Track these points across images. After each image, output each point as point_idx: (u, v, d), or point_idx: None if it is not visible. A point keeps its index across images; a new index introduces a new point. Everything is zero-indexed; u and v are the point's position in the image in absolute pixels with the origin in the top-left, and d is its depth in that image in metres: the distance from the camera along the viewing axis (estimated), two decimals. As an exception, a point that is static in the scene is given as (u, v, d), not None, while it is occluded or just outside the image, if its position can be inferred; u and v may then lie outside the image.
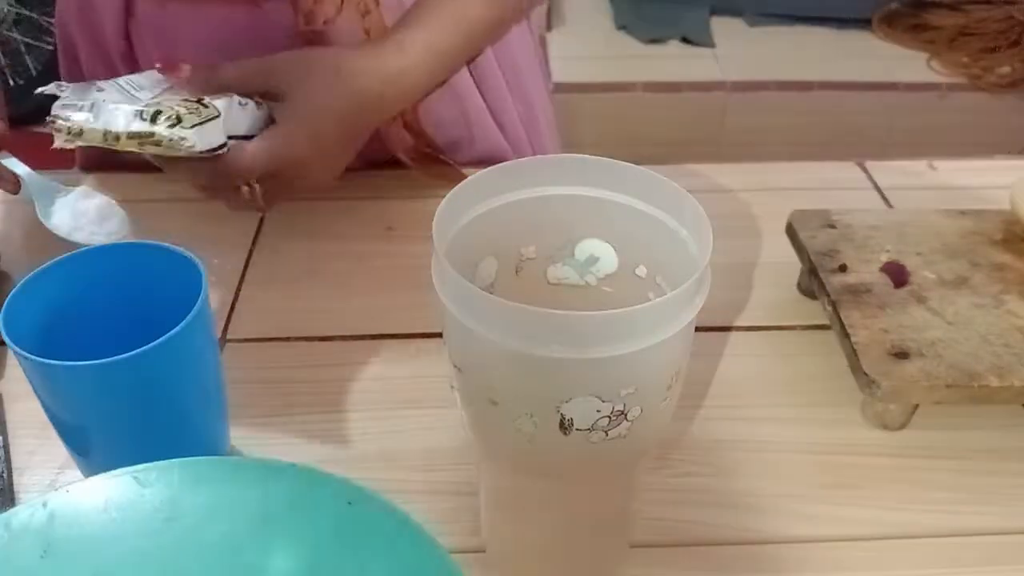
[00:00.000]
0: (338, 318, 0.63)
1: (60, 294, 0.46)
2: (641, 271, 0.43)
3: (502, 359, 0.36)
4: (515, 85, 0.81)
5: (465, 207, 0.40)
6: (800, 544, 0.49)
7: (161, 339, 0.42)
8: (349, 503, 0.33)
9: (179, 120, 0.54)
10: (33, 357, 0.41)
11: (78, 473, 0.49)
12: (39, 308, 0.45)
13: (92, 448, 0.46)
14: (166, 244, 0.47)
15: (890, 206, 0.74)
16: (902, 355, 0.53)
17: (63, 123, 0.54)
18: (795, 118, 1.93)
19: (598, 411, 0.36)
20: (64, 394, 0.43)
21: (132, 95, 0.57)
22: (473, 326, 0.35)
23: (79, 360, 0.40)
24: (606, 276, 0.44)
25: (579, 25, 2.10)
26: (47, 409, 0.44)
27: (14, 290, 0.44)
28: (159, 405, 0.44)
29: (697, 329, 0.38)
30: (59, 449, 0.52)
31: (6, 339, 0.41)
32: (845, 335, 0.54)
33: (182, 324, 0.42)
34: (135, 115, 0.54)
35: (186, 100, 0.56)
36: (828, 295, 0.57)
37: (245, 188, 0.59)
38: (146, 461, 0.34)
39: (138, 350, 0.41)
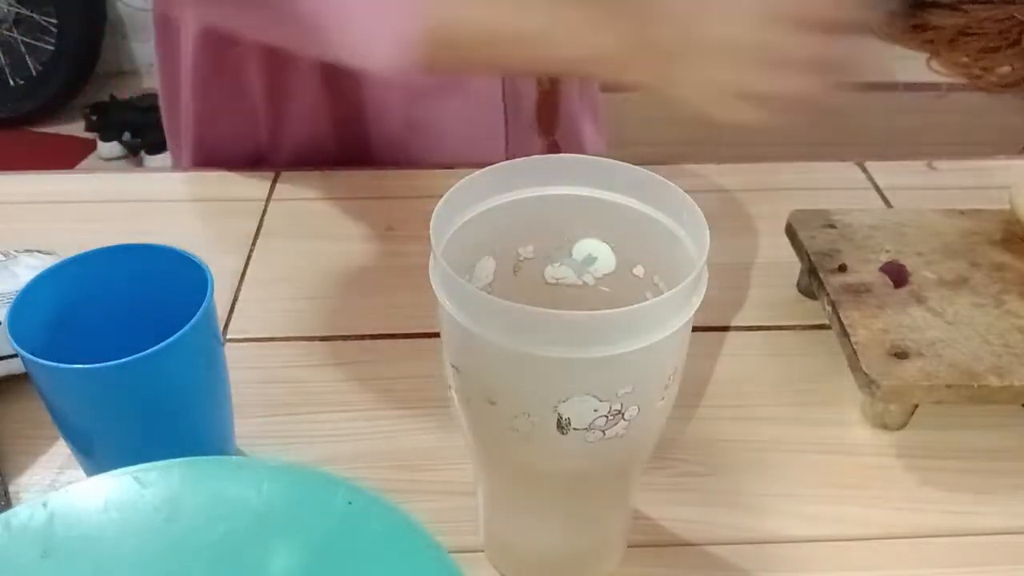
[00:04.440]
0: (338, 318, 0.63)
1: (65, 296, 0.46)
2: (639, 271, 0.43)
3: (500, 359, 0.36)
4: None
5: (463, 207, 0.40)
6: (800, 544, 0.49)
7: (166, 342, 0.42)
8: (349, 503, 0.33)
9: None
10: (39, 360, 0.41)
11: (78, 473, 0.49)
12: (44, 310, 0.45)
13: (96, 449, 0.46)
14: (171, 246, 0.47)
15: (890, 206, 0.74)
16: (902, 355, 0.53)
17: None
18: (795, 118, 1.93)
19: (595, 411, 0.36)
20: (69, 396, 0.43)
21: None
22: (471, 326, 0.35)
23: (84, 362, 0.41)
24: (604, 276, 0.44)
25: (579, 25, 2.10)
26: (51, 410, 0.44)
27: (19, 292, 0.44)
28: (165, 407, 0.44)
29: (697, 329, 0.38)
30: (59, 449, 0.53)
31: (11, 342, 0.41)
32: (845, 335, 0.55)
33: (187, 326, 0.42)
34: None
35: None
36: (828, 295, 0.57)
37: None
38: (151, 462, 0.34)
39: (143, 353, 0.41)
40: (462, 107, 0.79)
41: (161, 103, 0.85)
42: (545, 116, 0.83)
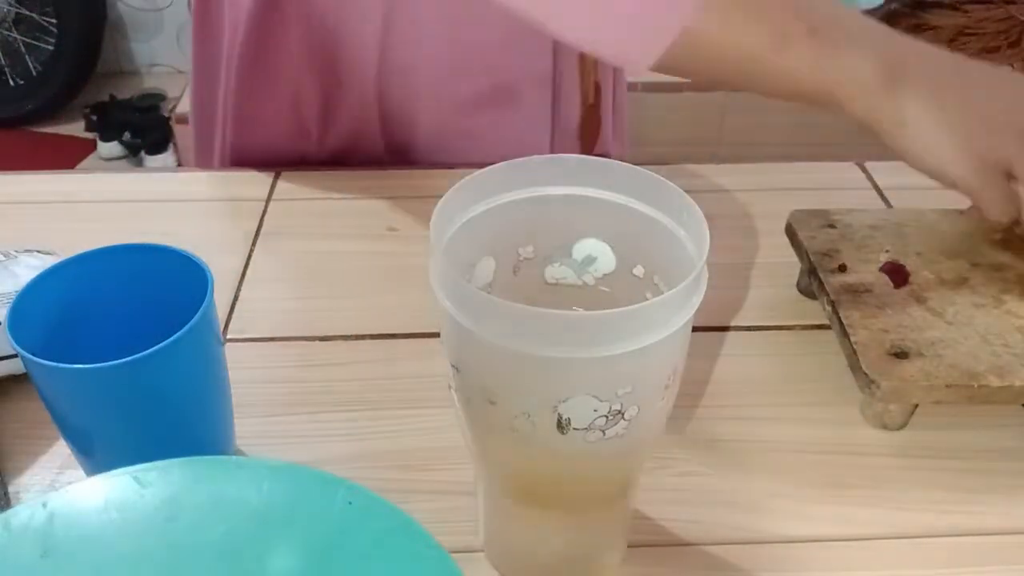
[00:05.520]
0: (338, 318, 0.63)
1: (65, 296, 0.46)
2: (639, 271, 0.43)
3: (500, 359, 0.36)
4: None
5: (463, 207, 0.40)
6: (800, 544, 0.49)
7: (166, 342, 0.42)
8: (349, 503, 0.33)
9: None
10: (39, 360, 0.41)
11: (78, 473, 0.49)
12: (44, 310, 0.45)
13: (96, 449, 0.46)
14: (171, 246, 0.47)
15: (890, 206, 0.74)
16: (902, 355, 0.53)
17: None
18: (795, 118, 1.92)
19: (595, 411, 0.36)
20: (69, 396, 0.43)
21: None
22: (471, 326, 0.35)
23: (85, 362, 0.41)
24: (604, 276, 0.44)
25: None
26: (51, 410, 0.44)
27: (20, 292, 0.44)
28: (165, 407, 0.44)
29: (697, 329, 0.38)
30: (59, 449, 0.53)
31: (12, 341, 0.41)
32: (845, 335, 0.55)
33: (188, 326, 0.42)
34: None
35: None
36: (828, 295, 0.57)
37: None
38: (151, 461, 0.34)
39: (143, 353, 0.41)
40: (513, 119, 0.79)
41: (192, 105, 0.84)
42: (588, 130, 0.83)
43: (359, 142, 0.79)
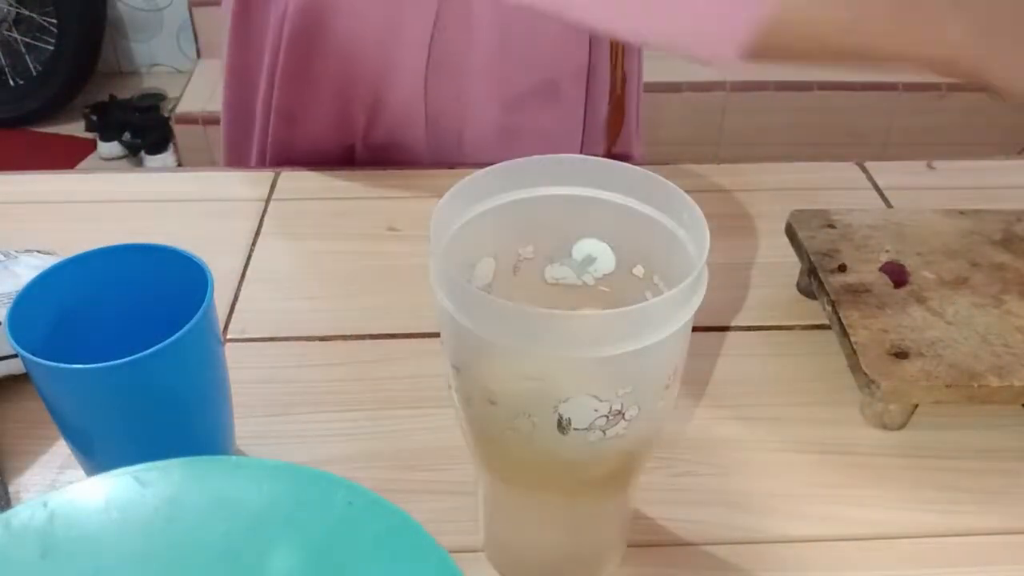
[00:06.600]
0: (338, 318, 0.63)
1: (65, 296, 0.46)
2: (638, 271, 0.43)
3: (500, 359, 0.36)
4: None
5: (463, 207, 0.40)
6: (800, 544, 0.49)
7: (166, 342, 0.42)
8: (349, 503, 0.33)
9: None
10: (39, 360, 0.41)
11: (78, 473, 0.49)
12: (44, 310, 0.45)
13: (96, 449, 0.46)
14: (171, 246, 0.47)
15: (890, 206, 0.74)
16: (901, 355, 0.53)
17: None
18: (795, 118, 1.93)
19: (596, 411, 0.36)
20: (70, 396, 0.43)
21: None
22: (471, 326, 0.35)
23: (85, 362, 0.41)
24: (603, 276, 0.44)
25: (579, 25, 2.10)
26: (51, 410, 0.44)
27: (20, 292, 0.44)
28: (165, 407, 0.44)
29: (697, 329, 0.38)
30: (59, 449, 0.53)
31: (12, 342, 0.41)
32: (844, 335, 0.55)
33: (188, 327, 0.42)
34: None
35: None
36: (827, 295, 0.57)
37: None
38: (151, 461, 0.34)
39: (143, 353, 0.41)
40: (551, 113, 0.79)
41: (224, 106, 0.84)
42: (614, 122, 0.84)
43: (402, 140, 0.79)
